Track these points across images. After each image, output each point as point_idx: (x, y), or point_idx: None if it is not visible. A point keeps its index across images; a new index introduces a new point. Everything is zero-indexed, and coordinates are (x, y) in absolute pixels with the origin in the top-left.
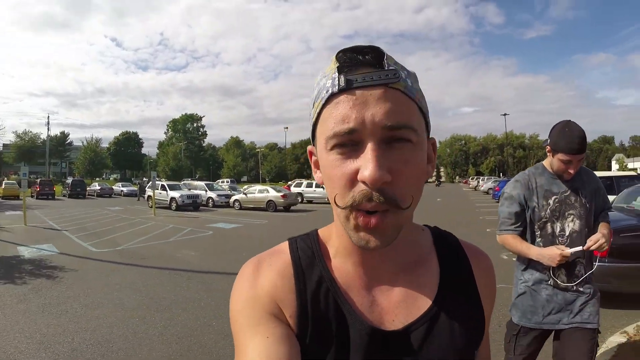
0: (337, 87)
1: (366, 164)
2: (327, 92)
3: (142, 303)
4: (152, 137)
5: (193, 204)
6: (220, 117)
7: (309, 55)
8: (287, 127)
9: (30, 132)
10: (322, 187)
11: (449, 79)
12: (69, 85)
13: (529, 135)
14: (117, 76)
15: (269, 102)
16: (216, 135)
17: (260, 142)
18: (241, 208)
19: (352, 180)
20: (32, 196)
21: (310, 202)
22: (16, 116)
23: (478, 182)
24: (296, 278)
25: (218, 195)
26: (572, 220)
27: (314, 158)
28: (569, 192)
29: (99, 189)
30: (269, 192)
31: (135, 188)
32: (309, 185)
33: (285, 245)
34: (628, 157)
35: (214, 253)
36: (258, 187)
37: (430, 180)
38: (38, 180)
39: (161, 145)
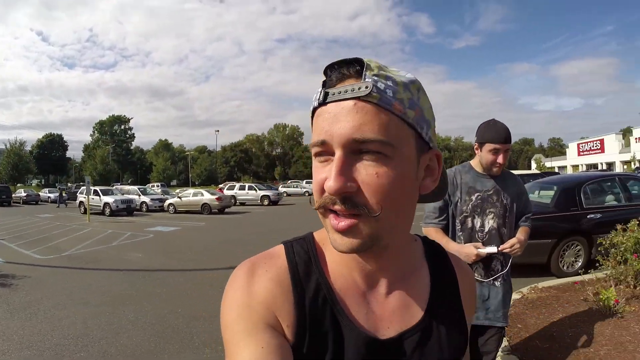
0: (317, 102)
1: (330, 175)
2: (312, 106)
3: (106, 300)
4: (77, 140)
5: (127, 209)
6: (148, 119)
7: (242, 58)
8: (218, 130)
9: None
10: (255, 190)
11: None
12: None
13: (454, 137)
14: (41, 73)
15: (200, 104)
16: (144, 138)
17: (189, 145)
18: (176, 212)
19: (323, 186)
20: None
21: (243, 204)
22: None
23: None
24: (294, 287)
25: (152, 199)
26: (492, 218)
27: None
28: (491, 192)
29: (25, 196)
30: (203, 195)
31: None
32: (242, 188)
33: (280, 249)
34: (546, 157)
35: (160, 254)
36: (192, 190)
37: None
38: None
39: (87, 148)
